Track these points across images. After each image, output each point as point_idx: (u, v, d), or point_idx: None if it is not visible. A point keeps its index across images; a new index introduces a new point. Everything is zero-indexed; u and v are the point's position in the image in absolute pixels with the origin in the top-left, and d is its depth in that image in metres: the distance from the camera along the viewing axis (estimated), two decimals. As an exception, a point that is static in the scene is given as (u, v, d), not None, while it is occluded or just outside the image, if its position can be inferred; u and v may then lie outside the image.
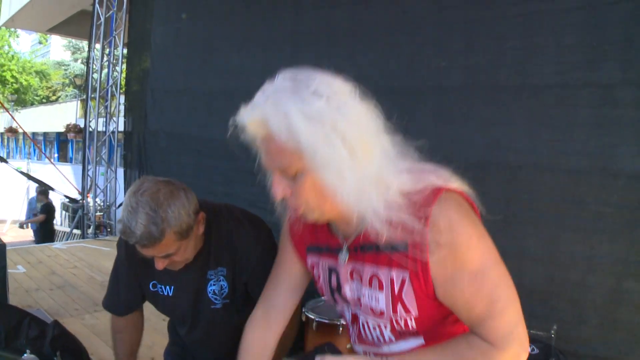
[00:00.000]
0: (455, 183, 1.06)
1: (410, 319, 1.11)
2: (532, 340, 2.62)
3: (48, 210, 10.04)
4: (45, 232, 10.00)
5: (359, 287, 1.16)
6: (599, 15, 2.96)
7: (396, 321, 1.12)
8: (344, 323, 2.64)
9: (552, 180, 3.09)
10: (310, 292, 2.34)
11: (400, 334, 1.16)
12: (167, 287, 1.74)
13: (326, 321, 2.85)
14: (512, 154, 3.24)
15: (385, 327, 1.16)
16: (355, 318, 1.24)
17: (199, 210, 1.56)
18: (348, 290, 1.19)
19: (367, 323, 1.20)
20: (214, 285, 1.72)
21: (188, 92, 6.06)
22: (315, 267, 1.27)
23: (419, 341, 1.16)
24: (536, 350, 2.51)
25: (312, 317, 2.89)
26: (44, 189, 10.30)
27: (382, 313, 1.13)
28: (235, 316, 1.77)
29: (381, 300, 1.11)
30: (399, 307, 1.09)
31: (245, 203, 2.08)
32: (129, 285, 1.80)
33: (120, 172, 8.48)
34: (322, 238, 1.23)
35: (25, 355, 1.73)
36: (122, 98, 8.36)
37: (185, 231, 1.49)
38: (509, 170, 3.23)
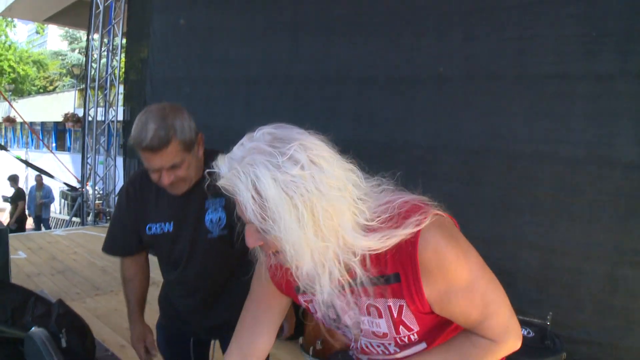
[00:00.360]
0: (432, 207, 1.08)
1: (413, 334, 1.15)
2: (528, 324, 2.67)
3: (21, 196, 10.09)
4: (20, 218, 10.07)
5: (357, 316, 1.17)
6: (598, 6, 3.00)
7: (400, 339, 1.17)
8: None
9: (549, 169, 3.13)
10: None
11: (404, 346, 1.20)
12: (167, 223, 1.84)
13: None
14: (510, 143, 3.28)
15: (389, 344, 1.21)
16: (357, 338, 1.26)
17: (198, 131, 1.73)
18: (348, 319, 1.19)
19: (371, 343, 1.23)
20: (212, 214, 1.82)
21: (187, 81, 6.07)
22: (310, 303, 1.25)
23: (422, 346, 1.20)
24: (532, 334, 2.56)
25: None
26: (13, 175, 10.34)
27: (385, 334, 1.17)
28: (229, 249, 1.82)
29: (382, 325, 1.15)
30: (401, 327, 1.14)
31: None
32: (127, 228, 1.90)
33: (119, 160, 8.50)
34: None
35: (32, 328, 1.76)
36: (121, 87, 8.37)
37: (188, 143, 1.66)
38: (507, 159, 3.27)
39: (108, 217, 8.79)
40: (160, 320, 2.16)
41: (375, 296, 1.10)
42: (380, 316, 1.13)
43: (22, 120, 18.10)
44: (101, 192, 8.97)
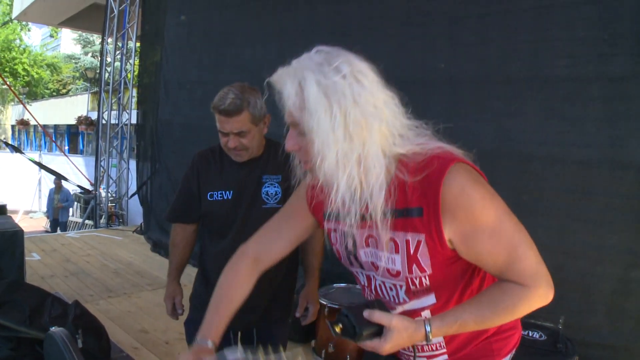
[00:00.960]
0: (463, 156, 1.15)
1: (425, 277, 1.20)
2: (540, 327, 2.67)
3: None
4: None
5: (375, 252, 1.24)
6: (610, 9, 2.98)
7: (411, 280, 1.21)
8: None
9: (562, 172, 3.12)
10: (321, 280, 2.40)
11: (414, 294, 1.24)
12: (227, 192, 2.09)
13: (337, 307, 2.90)
14: (523, 145, 3.28)
15: (401, 287, 1.25)
16: (369, 281, 1.32)
17: (268, 113, 2.01)
18: (362, 254, 1.27)
19: (384, 284, 1.28)
20: (268, 187, 2.08)
21: (201, 84, 6.12)
22: (333, 232, 1.35)
23: (431, 299, 1.24)
24: (544, 337, 2.56)
25: (325, 302, 2.95)
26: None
27: (398, 273, 1.21)
28: None
29: (397, 262, 1.20)
30: (414, 267, 1.18)
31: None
32: (192, 196, 2.14)
33: (132, 163, 8.56)
34: None
35: (52, 328, 1.79)
36: (134, 91, 8.44)
37: (257, 117, 1.97)
38: (520, 161, 3.27)
39: (120, 220, 8.86)
40: (192, 315, 2.24)
41: (396, 229, 1.17)
42: (397, 251, 1.19)
43: (35, 123, 18.29)
44: (114, 195, 9.05)
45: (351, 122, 1.05)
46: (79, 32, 28.97)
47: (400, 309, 1.28)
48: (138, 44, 8.42)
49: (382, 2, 4.13)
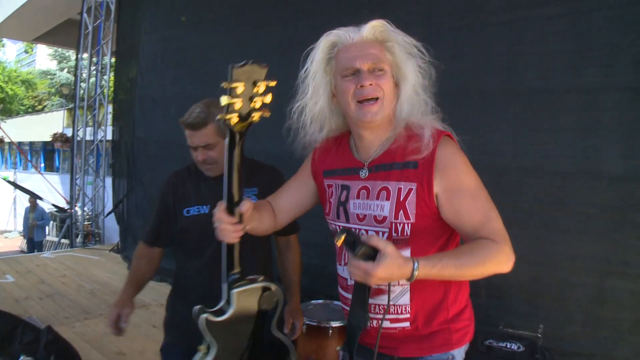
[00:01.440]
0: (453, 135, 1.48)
1: (407, 225, 1.40)
2: (519, 338, 2.67)
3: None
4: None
5: (364, 203, 1.47)
6: (581, 23, 3.05)
7: (395, 226, 1.40)
8: (334, 326, 2.70)
9: (537, 183, 3.16)
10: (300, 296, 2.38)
11: (394, 243, 1.34)
12: (204, 206, 2.11)
13: (315, 324, 2.87)
14: (498, 157, 3.30)
15: (384, 234, 1.42)
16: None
17: None
18: (352, 205, 1.50)
19: (366, 232, 1.45)
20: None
21: (177, 101, 6.07)
22: (330, 187, 1.59)
23: (406, 254, 1.38)
24: (522, 348, 2.56)
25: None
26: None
27: (384, 219, 1.42)
28: (258, 238, 1.99)
29: (386, 208, 1.41)
30: (401, 213, 1.40)
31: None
32: (168, 215, 2.17)
33: (108, 180, 8.45)
34: (343, 163, 1.57)
35: (21, 357, 1.75)
36: (110, 107, 8.36)
37: (223, 130, 1.90)
38: (495, 173, 3.28)
39: (97, 239, 8.72)
40: (169, 340, 2.21)
41: (391, 179, 1.43)
42: (387, 198, 1.42)
43: (9, 141, 18.02)
44: (90, 213, 8.91)
45: (418, 77, 1.49)
46: (55, 47, 28.69)
47: None
48: (113, 60, 8.36)
49: (357, 19, 4.12)
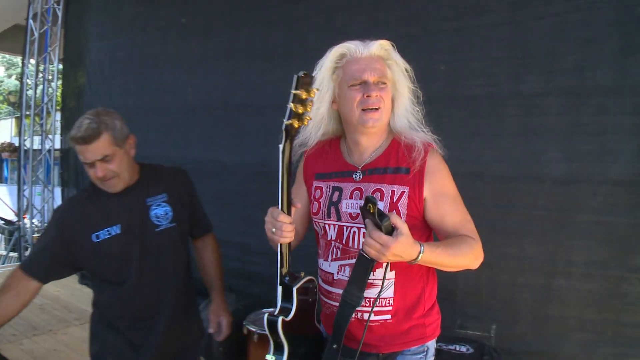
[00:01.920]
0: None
1: None
2: (468, 340, 2.72)
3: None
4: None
5: (357, 203, 1.63)
6: (523, 30, 3.14)
7: None
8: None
9: (482, 187, 3.23)
10: (251, 306, 2.36)
11: None
12: (115, 227, 1.96)
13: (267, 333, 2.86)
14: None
15: None
16: (340, 232, 1.67)
17: (130, 133, 1.98)
18: (344, 205, 1.66)
19: (358, 231, 1.63)
20: (155, 209, 1.99)
21: (125, 109, 5.91)
22: (319, 189, 1.74)
23: None
24: (471, 350, 2.61)
25: (254, 329, 2.90)
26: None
27: None
28: (179, 243, 2.03)
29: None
30: (393, 213, 1.50)
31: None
32: (52, 256, 1.96)
33: (58, 191, 8.20)
34: (335, 166, 1.73)
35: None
36: (58, 115, 8.11)
37: (119, 138, 1.90)
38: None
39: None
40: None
41: (385, 182, 1.62)
42: (381, 199, 1.60)
43: (-46, 151, 17.29)
44: (39, 225, 8.62)
45: (410, 93, 1.72)
46: (2, 54, 27.74)
47: None
48: (61, 67, 8.13)
49: (304, 28, 4.15)
